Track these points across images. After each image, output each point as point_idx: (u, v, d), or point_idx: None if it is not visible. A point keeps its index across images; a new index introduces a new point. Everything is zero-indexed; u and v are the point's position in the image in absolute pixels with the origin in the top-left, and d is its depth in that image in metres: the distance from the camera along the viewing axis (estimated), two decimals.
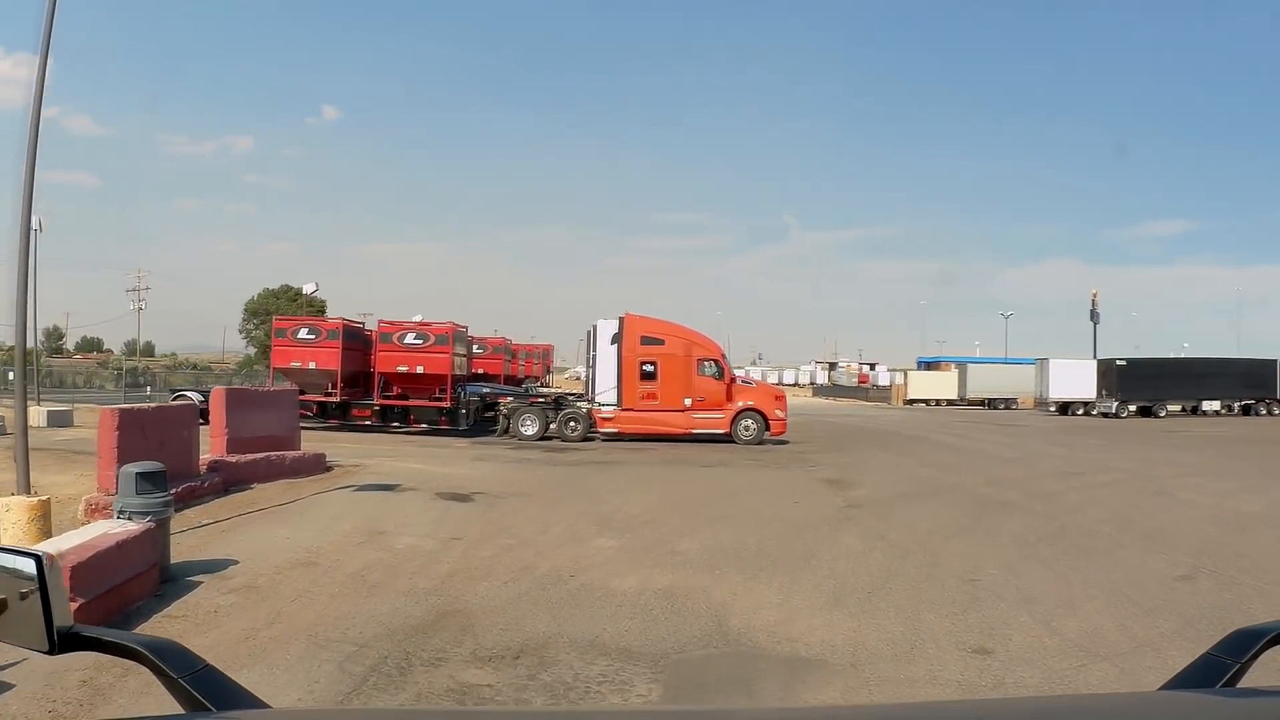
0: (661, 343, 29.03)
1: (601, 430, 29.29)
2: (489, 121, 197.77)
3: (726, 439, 28.78)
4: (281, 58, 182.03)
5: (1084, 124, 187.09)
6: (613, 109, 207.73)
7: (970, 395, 72.38)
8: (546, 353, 55.79)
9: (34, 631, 1.46)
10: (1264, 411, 55.22)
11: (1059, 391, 57.00)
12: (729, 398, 29.07)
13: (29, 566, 1.48)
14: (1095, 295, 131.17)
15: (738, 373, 37.23)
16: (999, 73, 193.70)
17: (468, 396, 31.95)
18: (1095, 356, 75.62)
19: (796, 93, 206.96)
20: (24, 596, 1.47)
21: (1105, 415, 53.57)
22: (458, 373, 32.64)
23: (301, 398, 33.39)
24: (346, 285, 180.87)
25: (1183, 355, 56.57)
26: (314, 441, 20.68)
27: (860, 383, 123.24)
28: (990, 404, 71.68)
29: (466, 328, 34.16)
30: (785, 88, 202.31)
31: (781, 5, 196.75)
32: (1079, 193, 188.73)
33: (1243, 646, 1.54)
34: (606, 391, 29.40)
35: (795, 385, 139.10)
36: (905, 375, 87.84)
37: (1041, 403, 61.78)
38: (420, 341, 31.99)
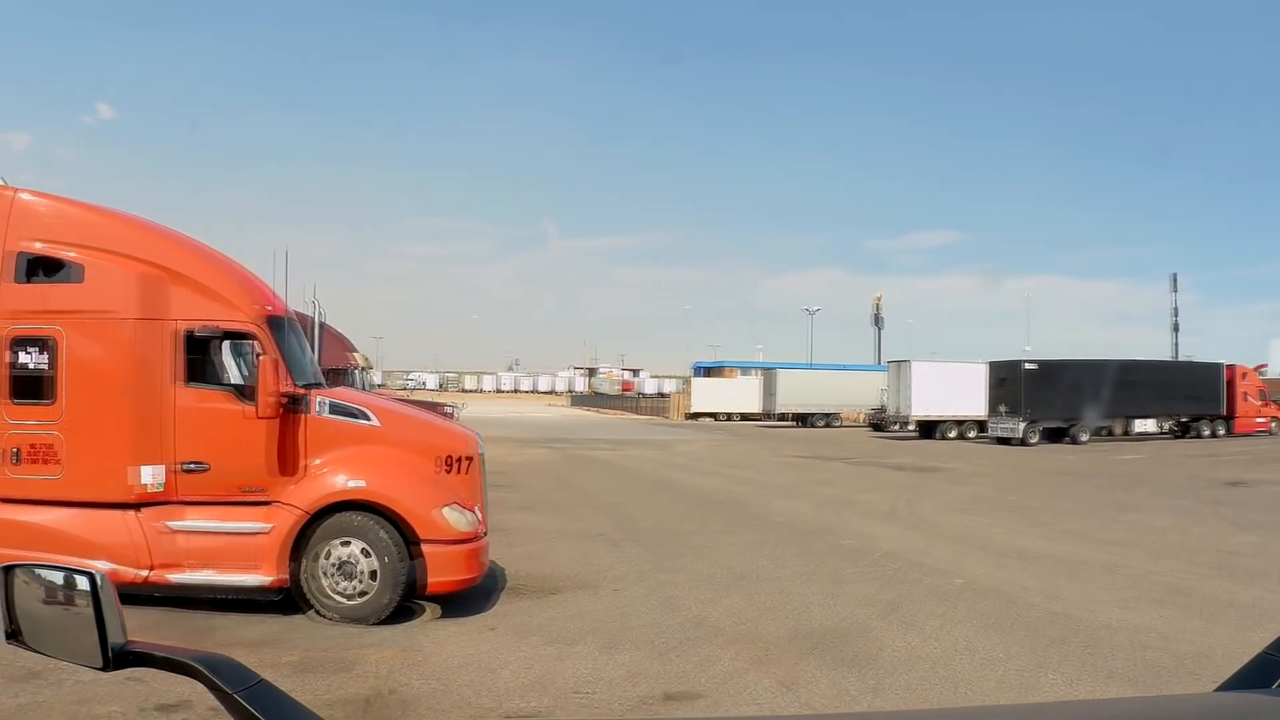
0: (76, 276, 7.84)
1: None
2: (262, 123, 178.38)
3: (279, 602, 8.42)
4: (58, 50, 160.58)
5: (846, 132, 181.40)
6: (381, 110, 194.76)
7: (780, 408, 54.68)
8: None
9: (88, 648, 1.49)
10: (1206, 432, 40.69)
11: (926, 407, 39.62)
12: (288, 464, 8.64)
13: (84, 583, 1.51)
14: (879, 299, 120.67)
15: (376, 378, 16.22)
16: (762, 80, 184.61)
17: None
18: (881, 360, 61.06)
19: (554, 98, 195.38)
20: (78, 612, 1.51)
21: (1004, 441, 36.43)
22: None
23: None
24: None
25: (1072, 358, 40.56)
26: None
27: (624, 390, 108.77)
28: (806, 420, 54.31)
29: None
30: (542, 93, 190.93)
31: (542, 7, 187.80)
32: (841, 203, 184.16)
33: None
34: None
35: (552, 394, 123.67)
36: (688, 383, 70.06)
37: (882, 419, 44.84)
38: None
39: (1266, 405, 43.40)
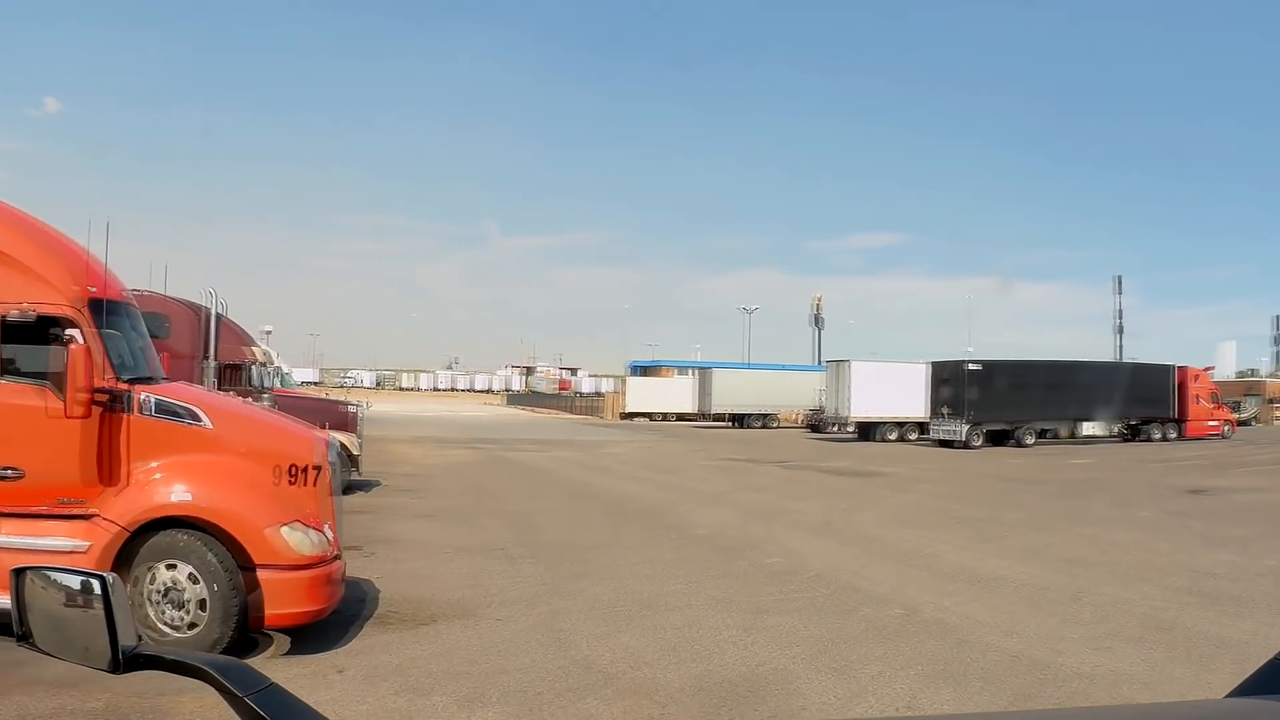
0: None
1: None
2: (203, 119, 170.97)
3: None
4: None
5: (787, 133, 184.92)
6: (320, 108, 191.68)
7: (716, 409, 53.36)
8: None
9: (98, 650, 1.47)
10: (1157, 435, 39.66)
11: (866, 407, 38.34)
12: (108, 472, 7.28)
13: (95, 587, 1.50)
14: (819, 299, 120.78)
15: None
16: (700, 80, 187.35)
17: None
18: (820, 361, 60.65)
19: (494, 98, 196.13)
20: (90, 615, 1.50)
21: (946, 443, 35.34)
22: None
23: None
24: None
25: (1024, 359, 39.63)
26: None
27: (561, 389, 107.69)
28: (742, 421, 53.06)
29: None
30: (483, 92, 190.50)
31: (471, 8, 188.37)
32: (782, 203, 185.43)
33: None
34: None
35: (489, 392, 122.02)
36: (623, 382, 68.53)
37: (820, 420, 43.89)
38: None
39: (1218, 408, 42.75)
